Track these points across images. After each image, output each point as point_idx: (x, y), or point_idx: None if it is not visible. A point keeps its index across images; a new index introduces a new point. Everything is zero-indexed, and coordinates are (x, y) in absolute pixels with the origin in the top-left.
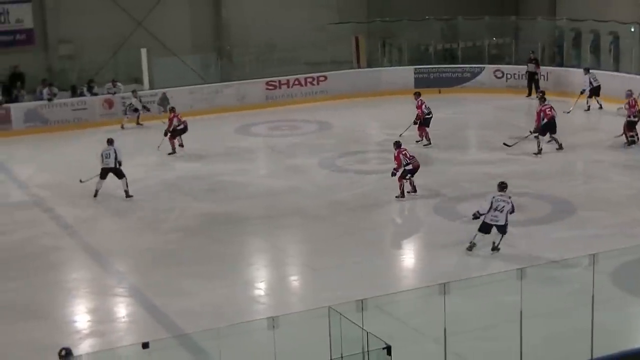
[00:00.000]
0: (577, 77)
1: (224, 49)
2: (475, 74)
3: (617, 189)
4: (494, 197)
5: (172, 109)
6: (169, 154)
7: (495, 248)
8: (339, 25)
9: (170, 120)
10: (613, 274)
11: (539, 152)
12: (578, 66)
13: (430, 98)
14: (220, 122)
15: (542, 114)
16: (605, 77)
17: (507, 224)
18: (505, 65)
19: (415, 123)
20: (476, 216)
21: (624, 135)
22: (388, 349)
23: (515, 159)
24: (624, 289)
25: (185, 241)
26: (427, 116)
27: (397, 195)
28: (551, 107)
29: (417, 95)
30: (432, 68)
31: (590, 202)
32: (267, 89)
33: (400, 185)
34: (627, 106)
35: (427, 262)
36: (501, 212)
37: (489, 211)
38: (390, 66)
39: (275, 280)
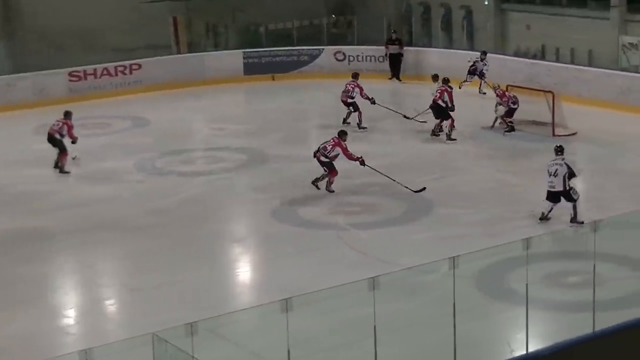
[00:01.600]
0: (429, 57)
1: (15, 35)
2: (313, 57)
3: (478, 182)
4: (548, 163)
5: None
6: None
7: (544, 217)
8: (153, 4)
9: None
10: (476, 279)
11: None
12: (429, 45)
13: (263, 86)
14: (15, 121)
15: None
16: (458, 57)
17: (570, 190)
18: (347, 46)
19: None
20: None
21: (501, 123)
22: None
23: (365, 151)
24: (488, 295)
25: None
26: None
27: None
28: (443, 91)
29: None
30: (264, 52)
31: (450, 197)
32: (70, 80)
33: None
34: (500, 91)
35: (267, 276)
36: (556, 176)
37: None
38: (216, 50)
39: (87, 305)
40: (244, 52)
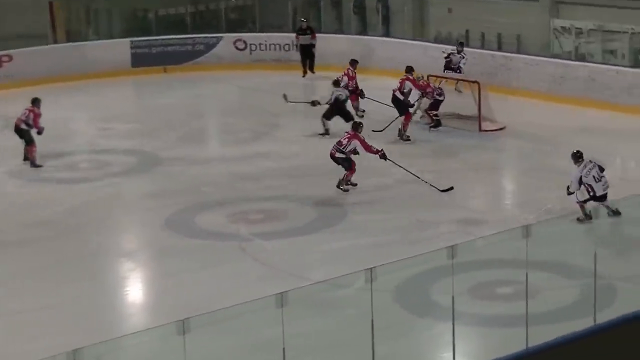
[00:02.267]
0: (340, 44)
1: None
2: (210, 46)
3: (397, 184)
4: (582, 174)
5: None
6: None
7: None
8: None
9: None
10: (396, 292)
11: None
12: (340, 31)
13: (154, 79)
14: None
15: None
16: (374, 44)
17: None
18: (248, 33)
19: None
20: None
21: (423, 117)
22: None
23: (268, 152)
24: (410, 310)
25: None
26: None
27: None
28: (404, 81)
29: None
30: (154, 40)
31: (365, 202)
32: None
33: None
34: (424, 82)
35: (161, 294)
36: (600, 180)
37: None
38: (99, 39)
39: None
40: (131, 41)
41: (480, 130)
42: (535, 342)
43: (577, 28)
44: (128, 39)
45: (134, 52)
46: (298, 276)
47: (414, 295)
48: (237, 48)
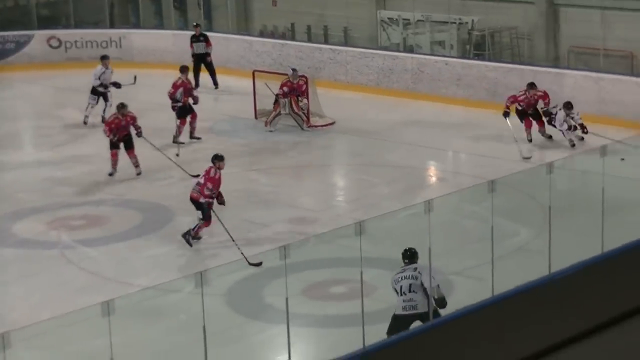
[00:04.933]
0: (161, 41)
1: None
2: (21, 45)
3: (224, 184)
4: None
5: None
6: None
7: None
8: None
9: None
10: (228, 296)
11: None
12: (160, 26)
13: None
14: None
15: None
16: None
17: None
18: (63, 30)
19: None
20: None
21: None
22: None
23: (87, 155)
24: (243, 313)
25: None
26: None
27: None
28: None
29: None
30: None
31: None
32: None
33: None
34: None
35: None
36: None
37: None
38: None
39: None
40: None
41: (308, 125)
42: (373, 340)
43: (404, 19)
44: None
45: None
46: (124, 283)
47: (246, 298)
48: (50, 46)
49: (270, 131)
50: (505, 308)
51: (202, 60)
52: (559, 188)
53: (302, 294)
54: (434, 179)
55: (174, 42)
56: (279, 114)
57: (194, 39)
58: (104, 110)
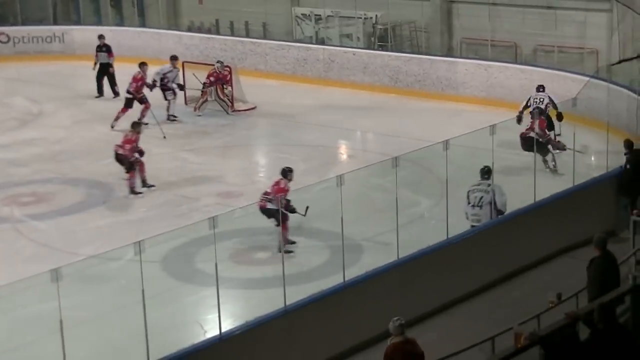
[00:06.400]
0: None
1: None
2: None
3: (158, 162)
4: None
5: None
6: None
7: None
8: None
9: None
10: (163, 262)
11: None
12: (99, 23)
13: None
14: None
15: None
16: (129, 34)
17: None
18: (11, 27)
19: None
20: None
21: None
22: None
23: (35, 138)
24: (177, 278)
25: None
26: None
27: None
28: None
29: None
30: None
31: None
32: None
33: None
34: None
35: None
36: (480, 207)
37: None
38: None
39: None
40: None
41: (232, 109)
42: (292, 300)
43: (316, 15)
44: None
45: None
46: (71, 253)
47: (180, 264)
48: (0, 41)
49: (199, 115)
50: (408, 269)
51: (104, 70)
52: (456, 163)
53: (230, 260)
54: (344, 156)
55: (111, 37)
56: (206, 100)
57: (98, 49)
58: (169, 108)
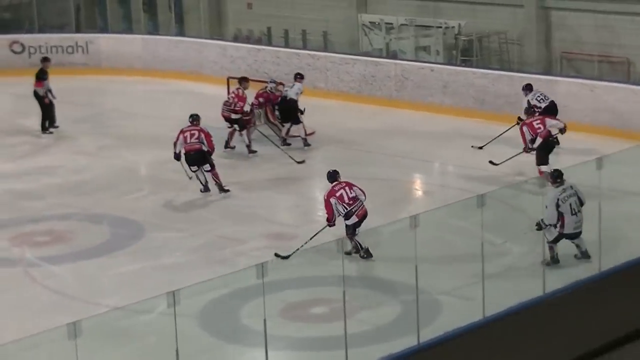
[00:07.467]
0: (129, 45)
1: None
2: None
3: (197, 198)
4: (559, 197)
5: None
6: None
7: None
8: None
9: None
10: (201, 317)
11: None
12: (129, 31)
13: None
14: None
15: None
16: (166, 44)
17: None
18: (26, 34)
19: None
20: (540, 226)
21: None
22: None
23: (52, 166)
24: (217, 336)
25: None
26: None
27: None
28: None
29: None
30: None
31: (163, 218)
32: None
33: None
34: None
35: None
36: (580, 211)
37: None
38: None
39: None
40: None
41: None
42: None
43: (387, 23)
44: None
45: None
46: (92, 303)
47: (221, 319)
48: (13, 51)
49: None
50: (496, 330)
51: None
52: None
53: (281, 315)
54: (419, 192)
55: (144, 47)
56: (254, 125)
57: (44, 76)
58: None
